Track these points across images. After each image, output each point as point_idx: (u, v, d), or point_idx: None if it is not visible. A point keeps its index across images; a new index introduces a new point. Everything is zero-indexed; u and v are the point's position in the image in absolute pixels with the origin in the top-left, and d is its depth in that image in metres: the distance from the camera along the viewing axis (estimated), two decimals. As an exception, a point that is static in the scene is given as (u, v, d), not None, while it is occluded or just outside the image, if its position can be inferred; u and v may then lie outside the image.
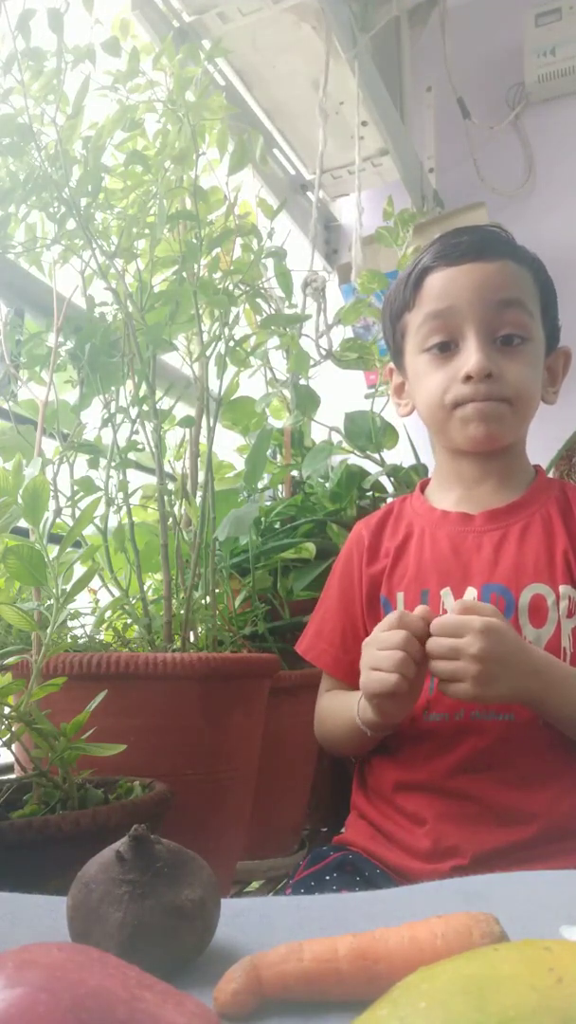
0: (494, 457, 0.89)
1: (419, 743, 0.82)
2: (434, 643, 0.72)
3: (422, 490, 0.97)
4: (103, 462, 1.04)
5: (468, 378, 0.83)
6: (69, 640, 0.98)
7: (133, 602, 1.03)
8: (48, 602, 0.75)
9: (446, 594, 0.85)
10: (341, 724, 0.89)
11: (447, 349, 0.86)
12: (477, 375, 0.83)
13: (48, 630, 0.74)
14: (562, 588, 0.82)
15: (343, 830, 0.89)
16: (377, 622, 0.89)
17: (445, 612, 0.83)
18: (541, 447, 0.96)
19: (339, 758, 1.25)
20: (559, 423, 1.59)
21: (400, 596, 0.88)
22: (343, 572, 0.96)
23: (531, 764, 0.78)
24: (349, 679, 0.92)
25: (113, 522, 1.05)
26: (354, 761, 0.93)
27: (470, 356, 0.83)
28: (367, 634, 0.90)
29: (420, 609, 0.75)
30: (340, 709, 0.89)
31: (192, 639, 1.06)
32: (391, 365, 0.98)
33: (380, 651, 0.75)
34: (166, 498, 1.05)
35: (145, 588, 1.05)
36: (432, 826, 0.78)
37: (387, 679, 0.73)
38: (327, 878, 0.79)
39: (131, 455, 1.05)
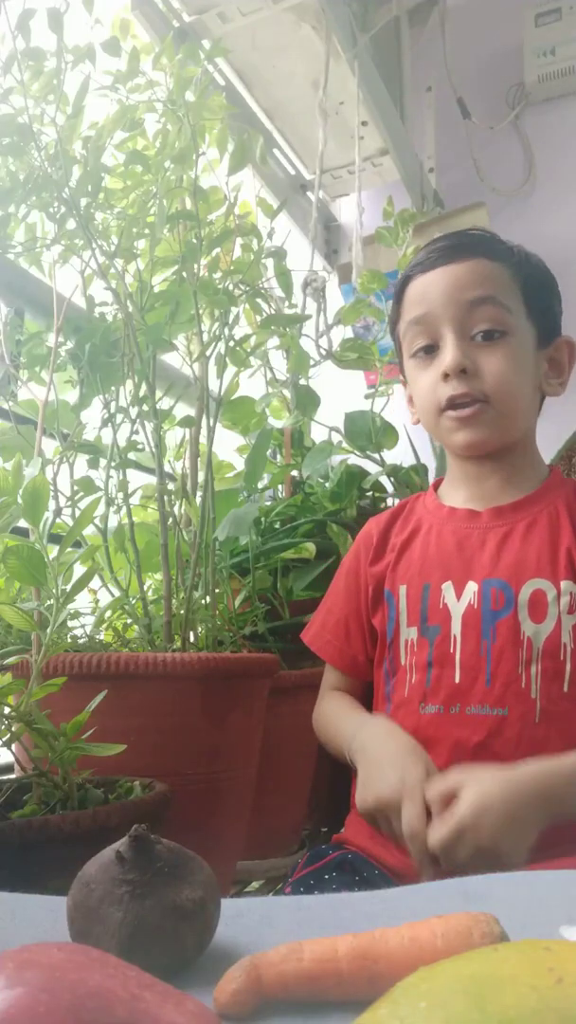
0: (497, 457, 0.90)
1: (415, 736, 0.82)
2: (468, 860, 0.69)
3: (435, 489, 0.98)
4: (103, 462, 1.04)
5: (447, 376, 0.85)
6: (69, 640, 0.98)
7: (133, 602, 1.03)
8: (48, 602, 0.75)
9: (447, 588, 0.85)
10: (333, 741, 0.91)
11: (431, 352, 0.88)
12: (452, 371, 0.84)
13: (48, 630, 0.74)
14: (564, 584, 0.81)
15: (343, 829, 0.89)
16: (383, 617, 0.90)
17: (445, 606, 0.84)
18: (541, 447, 0.96)
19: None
20: (559, 423, 1.59)
21: (403, 589, 0.89)
22: (350, 567, 0.98)
23: (524, 761, 0.77)
24: (351, 671, 0.95)
25: (113, 522, 1.05)
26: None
27: (446, 354, 0.85)
28: (371, 627, 0.92)
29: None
30: (336, 729, 0.91)
31: (192, 639, 1.06)
32: (403, 377, 0.99)
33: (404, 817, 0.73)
34: (166, 498, 1.05)
35: (145, 588, 1.05)
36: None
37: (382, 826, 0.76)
38: (326, 877, 0.79)
39: (131, 455, 1.05)
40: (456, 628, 0.83)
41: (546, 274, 0.91)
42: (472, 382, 0.84)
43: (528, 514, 0.87)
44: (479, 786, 0.70)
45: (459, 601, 0.84)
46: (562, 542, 0.84)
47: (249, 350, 1.14)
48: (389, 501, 1.50)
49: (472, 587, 0.84)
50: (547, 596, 0.81)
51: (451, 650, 0.83)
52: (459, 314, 0.85)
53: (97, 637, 1.03)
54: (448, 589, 0.85)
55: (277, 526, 1.34)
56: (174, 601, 1.03)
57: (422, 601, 0.87)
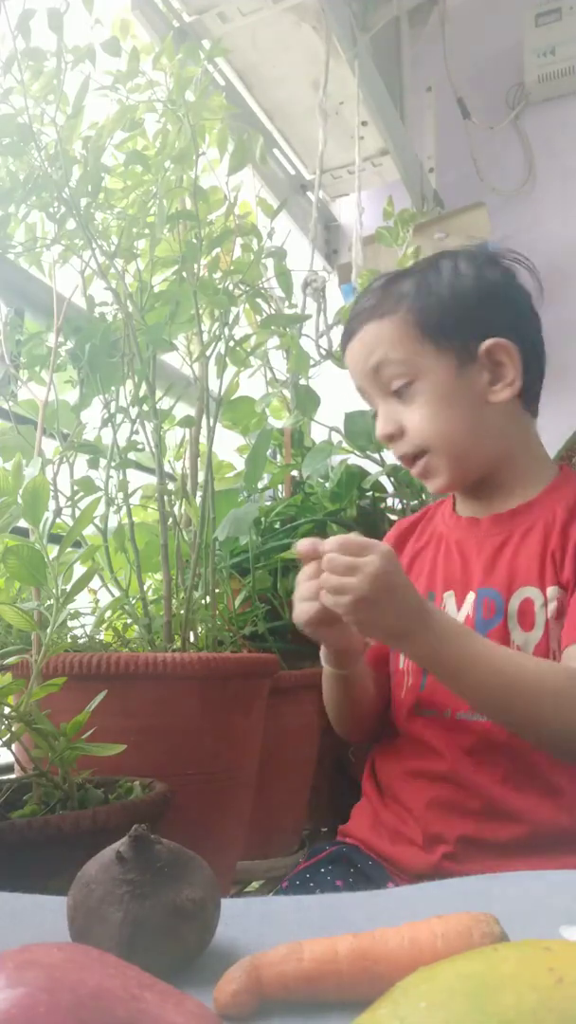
0: (482, 481, 0.90)
1: (413, 738, 0.85)
2: (332, 559, 0.70)
3: (455, 497, 0.98)
4: (103, 462, 1.04)
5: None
6: (69, 640, 0.98)
7: (133, 602, 1.03)
8: (48, 602, 0.75)
9: (448, 597, 0.86)
10: (326, 684, 0.93)
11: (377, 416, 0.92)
12: (383, 442, 0.90)
13: (48, 630, 0.74)
14: (550, 590, 0.81)
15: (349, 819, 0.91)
16: None
17: None
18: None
19: (339, 758, 1.25)
20: (559, 423, 1.59)
21: None
22: None
23: (514, 765, 0.78)
24: (373, 665, 0.94)
25: (113, 522, 1.05)
26: (353, 760, 0.94)
27: (377, 424, 0.90)
28: None
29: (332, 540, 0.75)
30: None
31: (192, 639, 1.06)
32: None
33: (302, 583, 0.77)
34: (166, 498, 1.05)
35: (145, 588, 1.05)
36: (421, 814, 0.80)
37: (308, 608, 0.75)
38: (322, 871, 0.81)
39: (131, 455, 1.05)
40: None
41: (458, 284, 0.87)
42: (404, 443, 0.87)
43: (525, 520, 0.86)
44: (398, 566, 0.71)
45: (459, 611, 0.85)
46: (551, 545, 0.83)
47: (249, 350, 1.14)
48: (389, 501, 1.50)
49: (471, 597, 0.85)
50: (535, 604, 0.81)
51: None
52: (371, 383, 0.89)
53: (97, 637, 1.03)
54: (450, 598, 0.86)
55: (277, 526, 1.34)
56: (174, 601, 1.03)
57: None
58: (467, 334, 0.86)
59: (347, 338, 0.93)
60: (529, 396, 0.90)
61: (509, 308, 0.88)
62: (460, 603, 0.85)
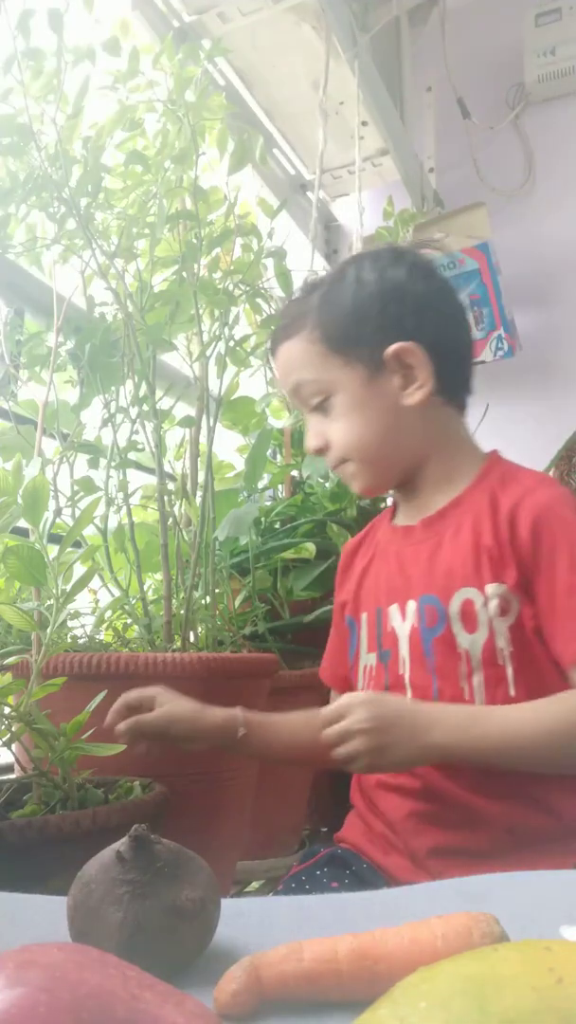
0: (407, 481, 0.90)
1: None
2: (327, 735, 0.74)
3: (395, 507, 0.98)
4: (103, 462, 1.04)
5: None
6: (69, 640, 0.98)
7: (133, 602, 1.03)
8: (48, 602, 0.75)
9: (393, 610, 0.86)
10: None
11: None
12: (314, 455, 0.91)
13: (48, 630, 0.74)
14: (489, 588, 0.79)
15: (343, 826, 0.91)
16: (348, 639, 0.93)
17: (392, 629, 0.85)
18: (541, 447, 0.95)
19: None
20: (559, 423, 1.59)
21: (364, 616, 0.90)
22: (336, 592, 1.01)
23: (482, 772, 0.78)
24: (335, 685, 0.97)
25: (113, 522, 1.05)
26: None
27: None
28: (346, 646, 0.94)
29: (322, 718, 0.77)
30: None
31: (192, 639, 1.06)
32: None
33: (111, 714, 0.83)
34: (166, 498, 1.05)
35: (145, 588, 1.05)
36: (402, 827, 0.80)
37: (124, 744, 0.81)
38: (317, 873, 0.81)
39: (131, 455, 1.05)
40: (404, 650, 0.83)
41: (359, 293, 0.86)
42: (330, 454, 0.89)
43: (454, 519, 0.85)
44: (379, 699, 0.76)
45: (404, 622, 0.84)
46: (482, 543, 0.81)
47: (249, 350, 1.14)
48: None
49: (412, 606, 0.84)
50: (475, 604, 0.80)
51: (400, 672, 0.83)
52: (296, 402, 0.92)
53: (97, 637, 1.03)
54: (394, 611, 0.85)
55: (277, 526, 1.34)
56: (174, 601, 1.03)
57: (377, 626, 0.87)
58: (372, 342, 0.85)
59: (272, 359, 0.94)
60: (452, 389, 0.88)
61: (415, 307, 0.86)
62: (404, 614, 0.84)
